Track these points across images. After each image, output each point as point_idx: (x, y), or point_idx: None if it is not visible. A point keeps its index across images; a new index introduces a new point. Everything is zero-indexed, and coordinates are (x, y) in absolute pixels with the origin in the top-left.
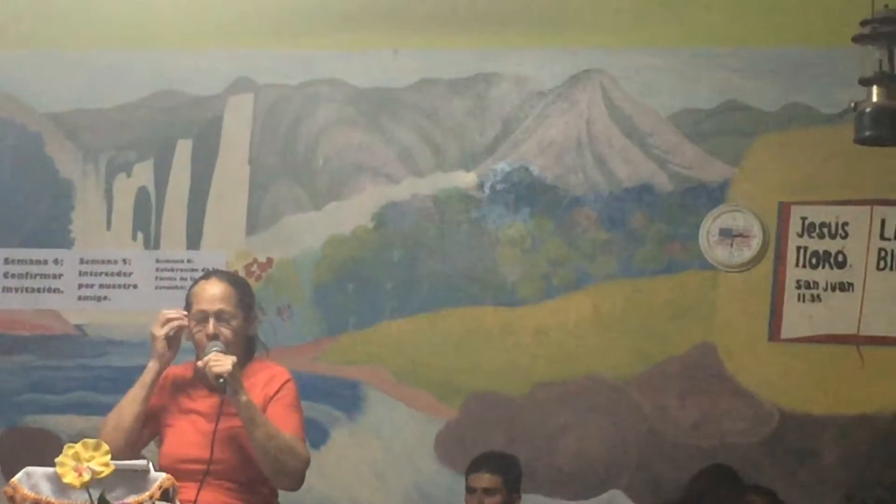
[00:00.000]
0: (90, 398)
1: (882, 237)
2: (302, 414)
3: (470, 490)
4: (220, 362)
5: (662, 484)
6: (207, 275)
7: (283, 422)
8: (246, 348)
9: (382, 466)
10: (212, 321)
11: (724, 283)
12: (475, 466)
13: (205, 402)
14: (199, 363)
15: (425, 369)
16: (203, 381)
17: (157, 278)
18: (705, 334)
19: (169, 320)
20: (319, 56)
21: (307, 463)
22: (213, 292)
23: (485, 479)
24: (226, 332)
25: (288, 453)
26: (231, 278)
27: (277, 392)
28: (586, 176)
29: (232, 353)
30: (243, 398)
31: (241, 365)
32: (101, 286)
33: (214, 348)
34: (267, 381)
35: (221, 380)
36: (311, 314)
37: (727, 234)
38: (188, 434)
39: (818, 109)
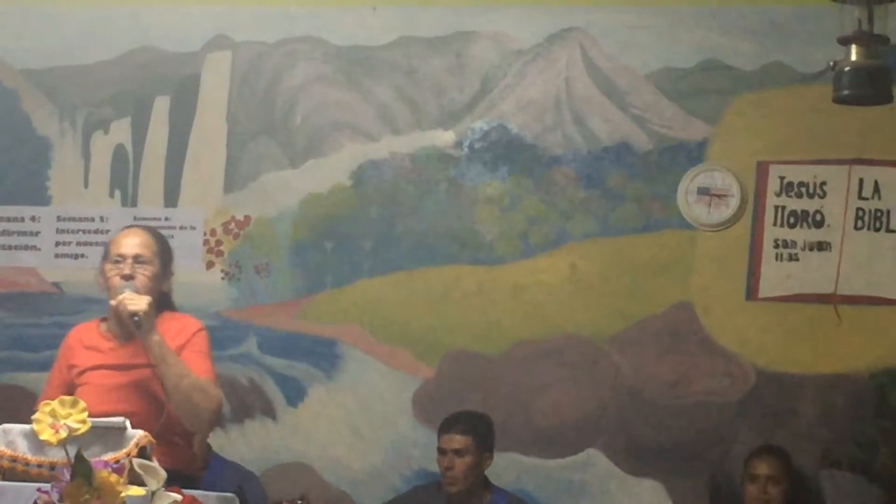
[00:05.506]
0: None
1: (860, 196)
2: (212, 361)
3: (441, 451)
4: (135, 301)
5: (639, 443)
6: (129, 226)
7: (194, 367)
8: (160, 303)
9: (360, 424)
10: (129, 261)
11: (702, 242)
12: (446, 427)
13: (114, 354)
14: (113, 302)
15: (403, 328)
16: (115, 325)
17: None
18: (683, 293)
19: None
20: (298, 13)
21: (220, 403)
22: (133, 240)
23: (455, 441)
24: (141, 276)
25: (199, 392)
26: (151, 230)
27: (189, 340)
28: (565, 134)
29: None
30: (155, 337)
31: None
32: (79, 244)
33: (128, 289)
34: (178, 331)
35: (136, 318)
36: (288, 272)
37: (705, 192)
38: (99, 390)
39: (797, 69)
